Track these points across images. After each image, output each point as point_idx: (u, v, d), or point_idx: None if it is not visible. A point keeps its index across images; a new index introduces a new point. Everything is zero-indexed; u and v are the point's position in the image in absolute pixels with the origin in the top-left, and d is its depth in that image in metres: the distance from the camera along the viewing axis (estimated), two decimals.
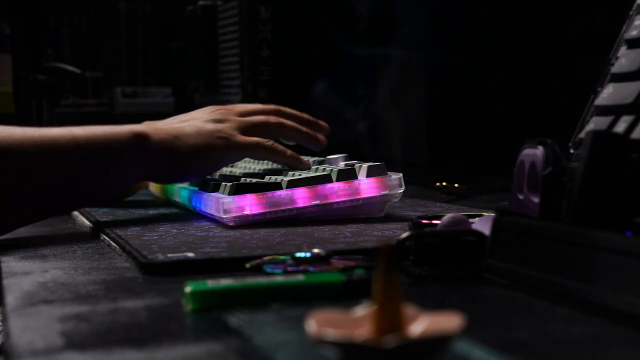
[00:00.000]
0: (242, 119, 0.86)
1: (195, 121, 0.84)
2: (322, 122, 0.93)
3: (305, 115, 0.92)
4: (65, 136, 0.76)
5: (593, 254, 0.44)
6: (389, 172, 0.80)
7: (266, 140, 0.85)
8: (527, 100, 1.27)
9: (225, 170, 0.96)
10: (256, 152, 0.85)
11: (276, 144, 0.86)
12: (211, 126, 0.83)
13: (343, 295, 0.49)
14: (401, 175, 0.80)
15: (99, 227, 0.78)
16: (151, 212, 0.86)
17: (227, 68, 1.57)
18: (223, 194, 0.77)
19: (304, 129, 0.90)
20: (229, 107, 0.90)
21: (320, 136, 0.91)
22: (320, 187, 0.78)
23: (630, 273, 0.42)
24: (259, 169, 0.92)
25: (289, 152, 0.86)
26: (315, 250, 0.59)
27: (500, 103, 1.34)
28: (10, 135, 0.74)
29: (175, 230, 0.73)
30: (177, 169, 0.82)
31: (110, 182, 0.79)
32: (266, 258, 0.58)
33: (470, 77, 1.40)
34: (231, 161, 0.85)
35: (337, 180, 0.78)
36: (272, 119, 0.88)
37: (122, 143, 0.78)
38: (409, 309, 0.37)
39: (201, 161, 0.82)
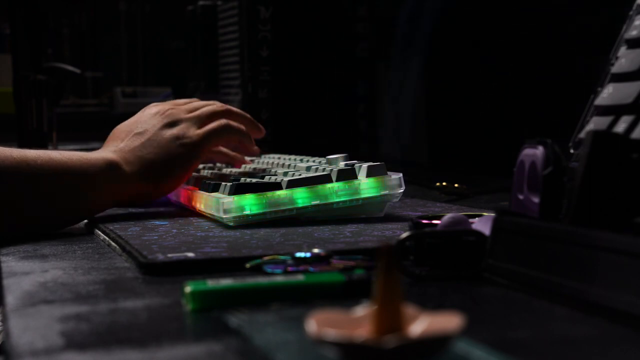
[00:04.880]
0: (193, 115, 0.86)
1: (151, 134, 0.84)
2: (260, 125, 0.94)
3: (247, 115, 0.92)
4: (43, 157, 0.78)
5: (593, 254, 0.44)
6: (389, 172, 0.80)
7: (218, 122, 0.86)
8: (527, 100, 1.27)
9: (225, 170, 0.96)
10: (215, 138, 0.86)
11: (230, 121, 0.87)
12: (168, 134, 0.84)
13: (343, 295, 0.49)
14: (401, 175, 0.80)
15: (94, 224, 0.79)
16: (151, 212, 0.86)
17: (227, 68, 1.57)
18: (223, 194, 0.77)
19: (248, 116, 0.92)
20: (171, 102, 0.90)
21: (255, 137, 0.92)
22: (320, 187, 0.78)
23: (630, 273, 0.42)
24: (259, 169, 0.92)
25: (243, 127, 0.89)
26: (315, 250, 0.59)
27: (501, 103, 1.34)
28: None
29: (175, 230, 0.73)
30: (153, 190, 0.84)
31: (85, 205, 0.81)
32: (266, 258, 0.58)
33: (470, 77, 1.40)
34: (199, 161, 0.86)
35: (337, 180, 0.78)
36: (219, 107, 0.89)
37: (97, 171, 0.80)
38: (409, 309, 0.37)
39: (171, 174, 0.84)
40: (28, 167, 0.76)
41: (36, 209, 0.78)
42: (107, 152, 0.83)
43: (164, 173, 0.83)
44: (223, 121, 0.86)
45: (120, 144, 0.84)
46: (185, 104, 0.90)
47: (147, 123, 0.85)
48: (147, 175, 0.82)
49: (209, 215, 0.80)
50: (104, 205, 0.83)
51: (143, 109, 0.89)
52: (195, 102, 0.90)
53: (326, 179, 0.78)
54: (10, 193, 0.76)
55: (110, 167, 0.81)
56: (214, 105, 0.89)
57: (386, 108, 1.60)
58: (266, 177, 0.83)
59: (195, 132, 0.85)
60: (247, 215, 0.75)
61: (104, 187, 0.81)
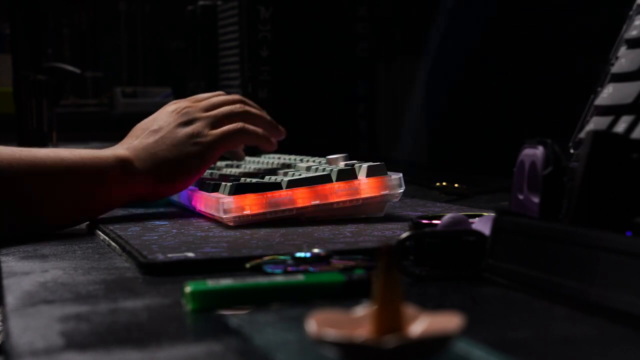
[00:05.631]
0: (209, 114, 0.85)
1: (166, 132, 0.83)
2: (280, 127, 0.92)
3: (265, 113, 0.91)
4: (52, 157, 0.77)
5: (593, 254, 0.44)
6: (389, 172, 0.80)
7: (234, 125, 0.85)
8: (527, 100, 1.27)
9: (225, 170, 0.96)
10: (229, 141, 0.85)
11: (245, 125, 0.86)
12: (182, 132, 0.83)
13: (343, 295, 0.49)
14: (401, 175, 0.80)
15: (95, 224, 0.79)
16: (151, 212, 0.86)
17: (227, 68, 1.57)
18: (223, 194, 0.77)
19: (267, 117, 0.90)
20: (192, 99, 0.89)
21: (274, 139, 0.91)
22: (320, 187, 0.78)
23: (630, 273, 0.42)
24: (259, 169, 0.92)
25: (260, 131, 0.87)
26: (315, 250, 0.59)
27: (501, 103, 1.34)
28: None
29: (175, 230, 0.73)
30: (164, 188, 0.84)
31: (96, 203, 0.80)
32: (266, 258, 0.58)
33: (470, 77, 1.40)
34: (211, 162, 0.85)
35: (337, 180, 0.78)
36: (237, 107, 0.87)
37: (108, 168, 0.79)
38: (409, 309, 0.37)
39: (184, 173, 0.83)
40: (37, 167, 0.76)
41: (46, 208, 0.77)
42: (120, 149, 0.82)
43: (176, 171, 0.82)
44: (239, 125, 0.85)
45: (134, 141, 0.83)
46: (206, 99, 0.89)
47: (162, 120, 0.84)
48: (158, 173, 0.82)
49: (208, 216, 0.80)
50: (115, 203, 0.82)
51: (164, 107, 0.88)
52: (215, 99, 0.88)
53: (326, 179, 0.78)
54: (19, 193, 0.76)
55: (122, 164, 0.80)
56: (232, 106, 0.87)
57: (386, 108, 1.60)
58: (266, 177, 0.83)
59: (209, 132, 0.83)
60: (247, 215, 0.75)
61: (115, 184, 0.80)
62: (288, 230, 0.72)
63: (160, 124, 0.84)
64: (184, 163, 0.82)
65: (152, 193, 0.83)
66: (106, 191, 0.80)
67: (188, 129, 0.83)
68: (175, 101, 0.89)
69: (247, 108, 0.88)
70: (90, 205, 0.80)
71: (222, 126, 0.85)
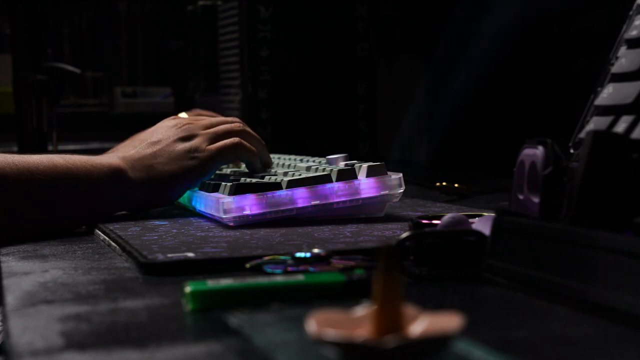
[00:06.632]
0: (209, 131, 0.86)
1: (165, 144, 0.83)
2: (270, 158, 0.92)
3: (262, 141, 0.91)
4: (45, 163, 0.77)
5: (593, 254, 0.44)
6: (389, 172, 0.80)
7: (230, 140, 0.85)
8: (527, 100, 1.27)
9: (225, 170, 0.96)
10: (226, 155, 0.85)
11: (242, 140, 0.86)
12: (181, 147, 0.83)
13: (343, 295, 0.49)
14: (401, 175, 0.80)
15: (96, 225, 0.78)
16: (151, 212, 0.86)
17: (227, 68, 1.57)
18: (223, 194, 0.77)
19: (262, 142, 0.90)
20: (192, 118, 0.90)
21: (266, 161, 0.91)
22: (320, 187, 0.78)
23: (630, 273, 0.42)
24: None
25: (255, 149, 0.87)
26: (315, 250, 0.59)
27: (501, 103, 1.34)
28: None
29: (175, 230, 0.73)
30: (157, 199, 0.84)
31: (88, 211, 0.80)
32: (266, 258, 0.58)
33: (470, 77, 1.40)
34: (208, 176, 0.85)
35: (337, 180, 0.78)
36: (236, 126, 0.88)
37: (102, 177, 0.79)
38: (409, 309, 0.37)
39: (179, 186, 0.83)
40: (30, 174, 0.75)
41: (39, 216, 0.77)
42: (114, 157, 0.82)
43: (170, 184, 0.83)
44: (236, 139, 0.85)
45: (131, 150, 0.84)
46: (206, 117, 0.89)
47: (162, 134, 0.85)
48: (152, 184, 0.82)
49: (208, 216, 0.80)
50: (107, 211, 0.82)
51: (164, 120, 0.89)
52: (215, 119, 0.89)
53: (326, 179, 0.78)
54: (11, 198, 0.75)
55: (115, 174, 0.80)
56: (231, 124, 0.88)
57: (386, 108, 1.60)
58: (266, 177, 0.83)
59: (207, 147, 0.84)
60: (247, 215, 0.75)
61: (107, 193, 0.80)
62: (288, 230, 0.72)
63: (160, 137, 0.85)
64: (180, 176, 0.83)
65: (144, 203, 0.84)
66: (98, 199, 0.80)
67: (187, 144, 0.84)
68: (175, 116, 0.90)
69: (246, 128, 0.89)
70: (82, 212, 0.80)
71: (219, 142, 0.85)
